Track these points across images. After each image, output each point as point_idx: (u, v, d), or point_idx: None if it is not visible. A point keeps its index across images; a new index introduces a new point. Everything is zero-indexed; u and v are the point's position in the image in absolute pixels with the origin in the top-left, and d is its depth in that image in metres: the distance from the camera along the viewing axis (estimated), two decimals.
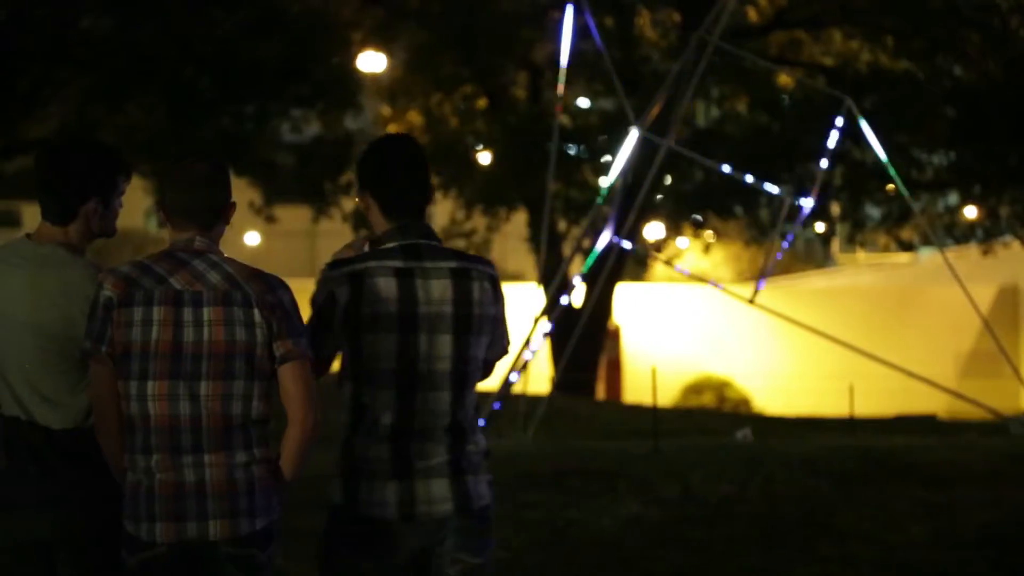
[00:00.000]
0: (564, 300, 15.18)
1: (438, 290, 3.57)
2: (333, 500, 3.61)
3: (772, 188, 16.02)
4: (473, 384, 3.65)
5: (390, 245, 3.62)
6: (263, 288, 3.52)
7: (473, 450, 3.62)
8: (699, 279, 17.73)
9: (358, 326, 3.55)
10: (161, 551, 3.45)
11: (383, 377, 3.55)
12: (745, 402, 27.53)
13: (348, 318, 3.55)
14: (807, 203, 15.11)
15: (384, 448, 3.55)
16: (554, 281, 15.43)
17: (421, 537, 3.56)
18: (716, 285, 16.73)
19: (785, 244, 14.91)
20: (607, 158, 20.68)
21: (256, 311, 3.49)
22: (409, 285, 3.56)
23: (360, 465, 3.56)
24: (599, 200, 15.49)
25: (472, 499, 3.59)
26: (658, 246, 26.26)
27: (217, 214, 3.61)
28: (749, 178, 14.85)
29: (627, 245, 15.93)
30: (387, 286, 3.55)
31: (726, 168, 15.10)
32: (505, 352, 3.78)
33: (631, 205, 15.20)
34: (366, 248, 3.67)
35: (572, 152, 22.14)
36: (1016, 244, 24.43)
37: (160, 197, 3.63)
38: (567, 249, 21.37)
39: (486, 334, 3.65)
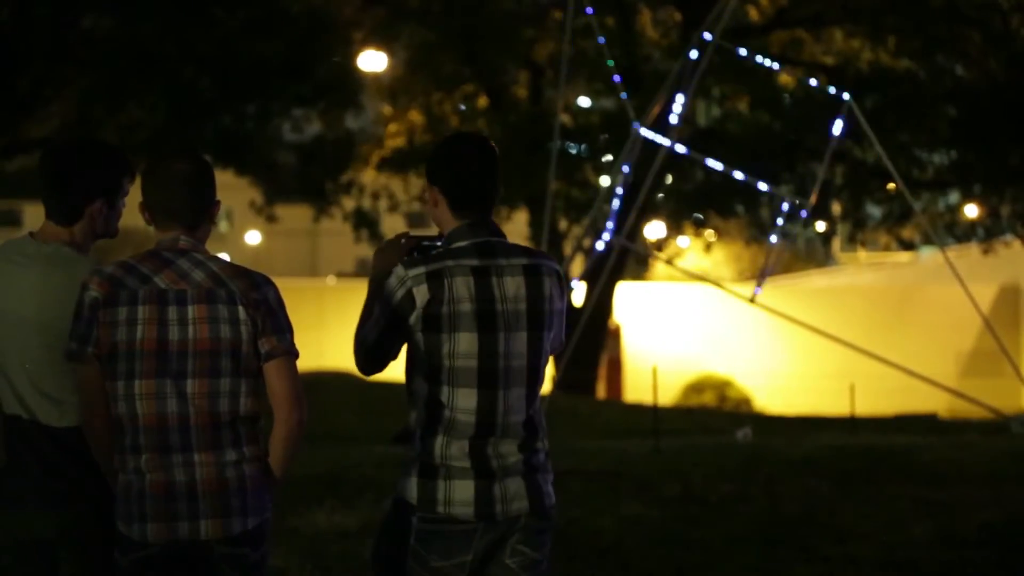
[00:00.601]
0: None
1: (513, 287, 3.57)
2: (407, 499, 3.58)
3: (763, 186, 15.97)
4: (543, 380, 3.67)
5: (463, 243, 3.60)
6: (247, 285, 3.52)
7: (542, 448, 3.65)
8: (699, 278, 17.73)
9: (438, 325, 3.53)
10: (153, 551, 3.45)
11: (463, 375, 3.54)
12: (746, 401, 27.55)
13: (428, 317, 3.53)
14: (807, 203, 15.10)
15: (463, 447, 3.54)
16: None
17: (495, 535, 3.57)
18: (718, 284, 16.72)
19: (776, 240, 14.84)
20: (608, 157, 20.70)
21: (241, 308, 3.48)
22: (486, 283, 3.56)
23: (437, 464, 3.55)
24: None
25: (544, 497, 3.62)
26: (659, 245, 26.27)
27: (201, 213, 3.60)
28: (739, 175, 14.82)
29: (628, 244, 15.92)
30: (466, 285, 3.54)
31: (719, 166, 15.09)
32: (563, 344, 3.77)
33: (632, 204, 15.20)
34: (438, 244, 3.65)
35: (573, 151, 22.14)
36: (1017, 243, 24.42)
37: (143, 197, 3.61)
38: (568, 248, 21.38)
39: (554, 329, 3.67)
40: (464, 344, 3.53)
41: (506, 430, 3.57)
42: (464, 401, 3.54)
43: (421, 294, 3.52)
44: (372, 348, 3.61)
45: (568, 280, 15.84)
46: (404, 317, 3.54)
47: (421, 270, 3.54)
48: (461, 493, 3.53)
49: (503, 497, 3.55)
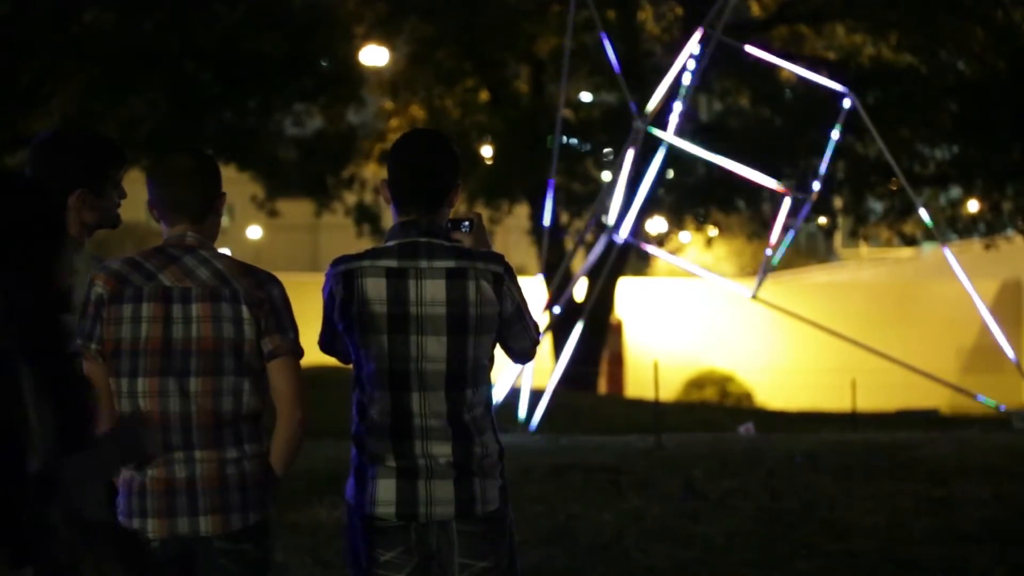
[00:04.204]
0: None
1: (431, 291, 3.53)
2: (347, 497, 3.62)
3: (763, 180, 15.94)
4: (477, 384, 3.58)
5: (390, 243, 3.60)
6: (252, 284, 3.52)
7: (481, 452, 3.56)
8: (692, 272, 17.72)
9: (352, 325, 3.55)
10: (153, 546, 3.46)
11: (377, 377, 3.54)
12: (747, 396, 27.55)
13: (343, 317, 3.56)
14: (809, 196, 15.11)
15: (386, 447, 3.54)
16: (556, 274, 15.45)
17: (427, 538, 3.54)
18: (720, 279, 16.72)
19: (776, 243, 14.86)
20: (609, 152, 20.71)
21: (244, 307, 3.48)
22: (401, 286, 3.53)
23: (367, 463, 3.56)
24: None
25: (476, 503, 3.54)
26: (660, 240, 26.27)
27: (206, 205, 3.59)
28: (741, 169, 14.83)
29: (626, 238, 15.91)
30: (377, 286, 3.53)
31: (723, 161, 15.09)
32: (534, 340, 3.70)
33: (633, 199, 15.21)
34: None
35: (575, 145, 22.14)
36: (1018, 239, 24.44)
37: (149, 194, 3.60)
38: (569, 242, 21.38)
39: (488, 333, 3.58)
40: (375, 345, 3.52)
41: (428, 432, 3.53)
42: (380, 403, 3.54)
43: (338, 292, 3.55)
44: (320, 342, 3.67)
45: (572, 276, 15.88)
46: (330, 313, 3.58)
47: (340, 268, 3.57)
48: (384, 493, 3.52)
49: (428, 499, 3.51)
